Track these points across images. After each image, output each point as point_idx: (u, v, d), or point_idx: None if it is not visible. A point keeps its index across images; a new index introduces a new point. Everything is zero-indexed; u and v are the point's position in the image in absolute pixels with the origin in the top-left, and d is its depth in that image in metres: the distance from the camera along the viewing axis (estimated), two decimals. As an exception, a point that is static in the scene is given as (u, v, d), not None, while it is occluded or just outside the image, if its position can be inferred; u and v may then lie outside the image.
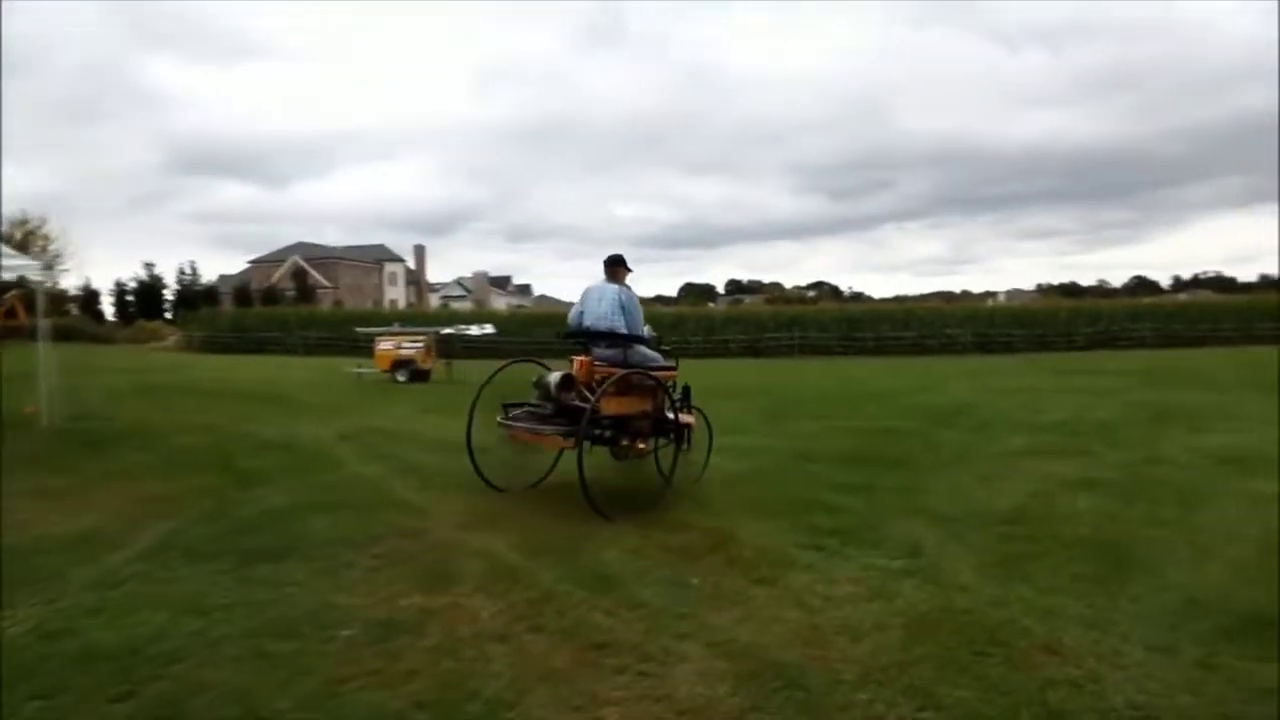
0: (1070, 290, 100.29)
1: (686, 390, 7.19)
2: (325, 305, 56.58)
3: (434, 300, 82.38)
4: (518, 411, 6.54)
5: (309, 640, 3.66)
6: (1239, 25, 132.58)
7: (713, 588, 4.43)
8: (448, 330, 23.35)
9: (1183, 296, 75.32)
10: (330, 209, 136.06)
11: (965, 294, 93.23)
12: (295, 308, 50.31)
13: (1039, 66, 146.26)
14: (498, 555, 4.99)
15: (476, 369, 24.13)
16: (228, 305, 55.38)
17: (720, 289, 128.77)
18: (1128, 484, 7.00)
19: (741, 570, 4.74)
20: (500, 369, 6.99)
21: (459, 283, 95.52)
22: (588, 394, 6.21)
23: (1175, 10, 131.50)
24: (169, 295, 62.15)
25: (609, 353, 6.54)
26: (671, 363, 7.11)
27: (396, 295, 78.27)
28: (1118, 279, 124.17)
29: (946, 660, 3.47)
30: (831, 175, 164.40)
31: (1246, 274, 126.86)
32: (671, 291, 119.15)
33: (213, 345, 41.48)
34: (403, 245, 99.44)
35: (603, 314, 6.51)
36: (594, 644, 3.66)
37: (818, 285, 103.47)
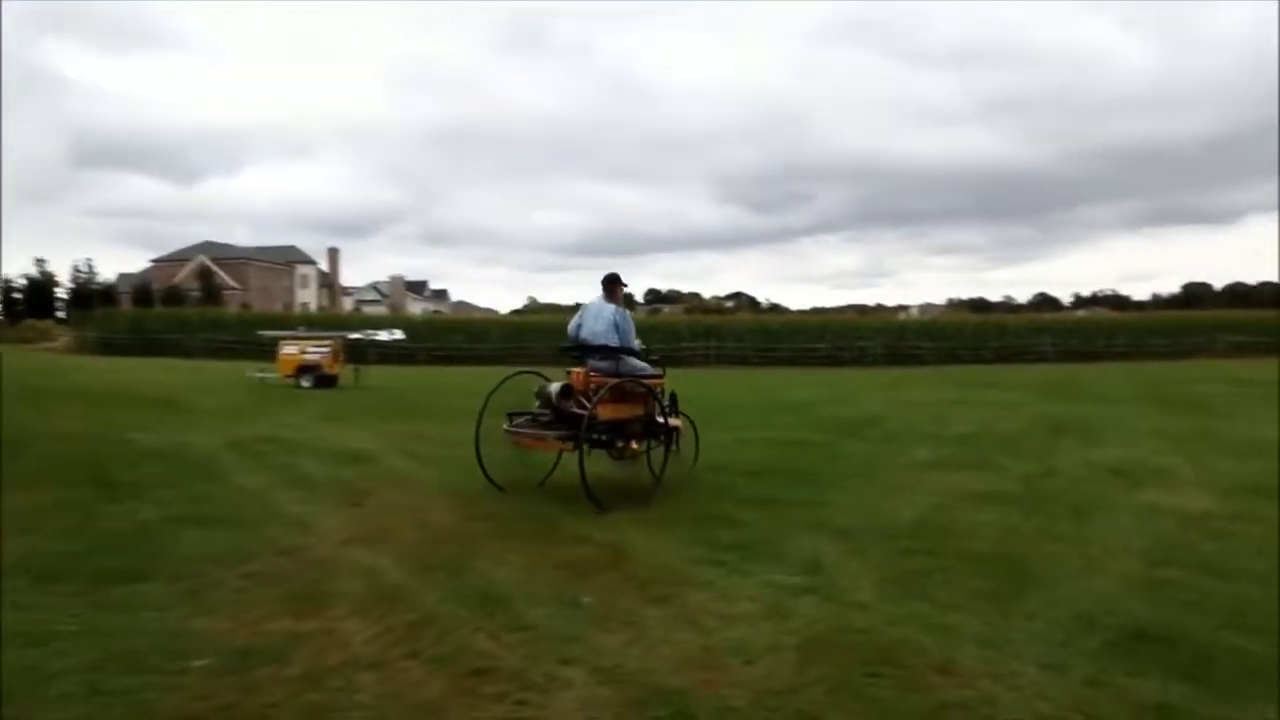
0: (978, 305, 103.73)
1: (673, 397, 7.68)
2: (232, 307, 54.71)
3: (348, 304, 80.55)
4: (521, 419, 6.99)
5: (156, 673, 3.33)
6: (1133, 57, 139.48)
7: (605, 607, 4.24)
8: (356, 335, 22.73)
9: (1082, 313, 78.60)
10: (241, 207, 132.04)
11: (880, 307, 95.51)
12: (199, 309, 48.52)
13: (950, 88, 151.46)
14: (381, 574, 4.71)
15: (389, 375, 23.66)
16: (127, 305, 53.07)
17: (639, 298, 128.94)
18: (1026, 497, 7.07)
19: (637, 588, 4.56)
20: (504, 380, 7.45)
21: (374, 287, 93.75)
22: (585, 401, 6.68)
23: (1075, 40, 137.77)
24: (62, 294, 59.24)
25: (603, 364, 7.05)
26: (659, 371, 7.62)
27: (308, 298, 76.23)
28: (1023, 295, 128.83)
29: (840, 683, 3.35)
30: (752, 187, 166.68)
31: (1140, 293, 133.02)
32: (588, 298, 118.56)
33: (108, 347, 39.65)
34: (316, 247, 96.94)
35: (599, 330, 7.12)
36: (472, 670, 3.43)
37: (736, 296, 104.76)
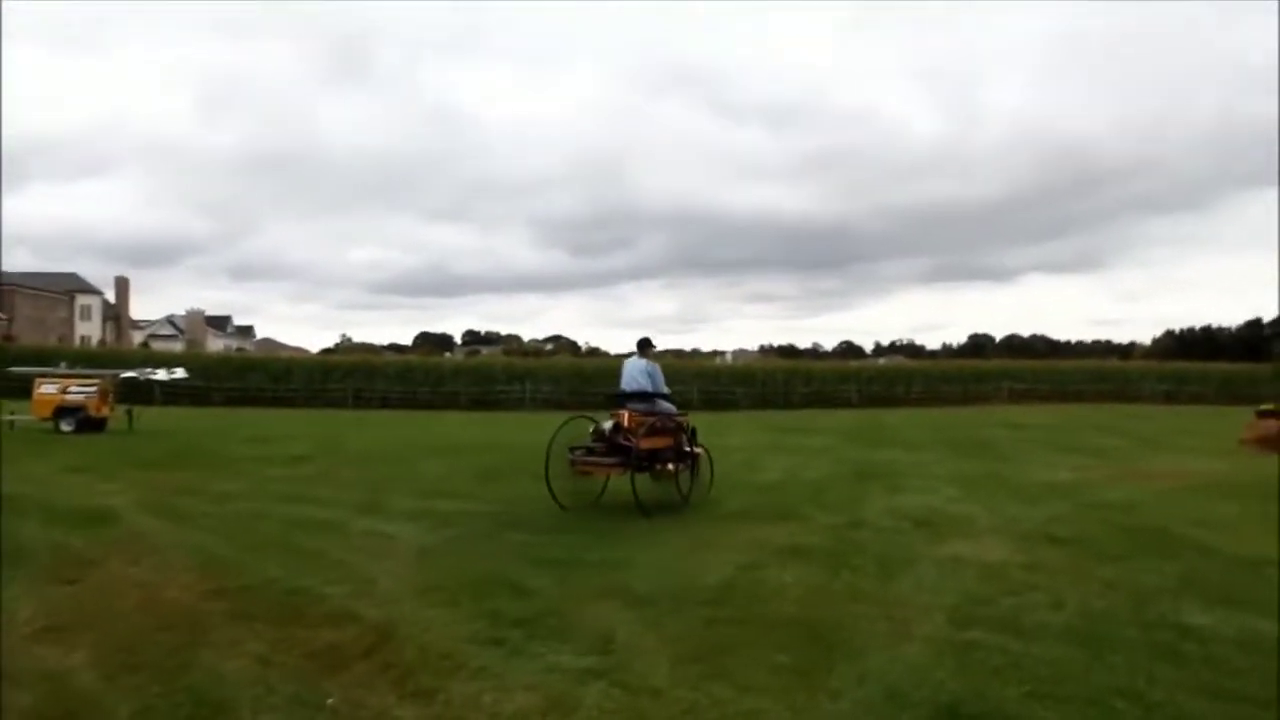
0: (788, 352, 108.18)
1: (693, 430, 9.49)
2: (-6, 341, 48.95)
3: (137, 339, 74.18)
4: (579, 451, 8.73)
5: None
6: (926, 125, 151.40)
7: (352, 707, 3.52)
8: (130, 373, 20.49)
9: (882, 361, 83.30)
10: (19, 229, 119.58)
11: (696, 352, 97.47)
12: (-48, 343, 43.03)
13: (763, 143, 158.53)
14: (66, 679, 3.77)
15: (174, 418, 21.51)
16: None
17: (458, 339, 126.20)
18: (833, 551, 6.83)
19: (396, 679, 3.86)
20: (564, 424, 9.17)
21: (170, 321, 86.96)
22: (630, 436, 8.55)
23: (876, 105, 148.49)
24: None
25: (640, 406, 8.97)
26: (683, 413, 9.57)
27: (90, 331, 69.60)
28: (829, 342, 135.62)
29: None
30: (573, 230, 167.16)
31: (933, 342, 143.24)
32: (407, 340, 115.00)
33: None
34: (104, 276, 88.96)
35: (635, 381, 9.13)
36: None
37: (556, 339, 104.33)
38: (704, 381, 38.94)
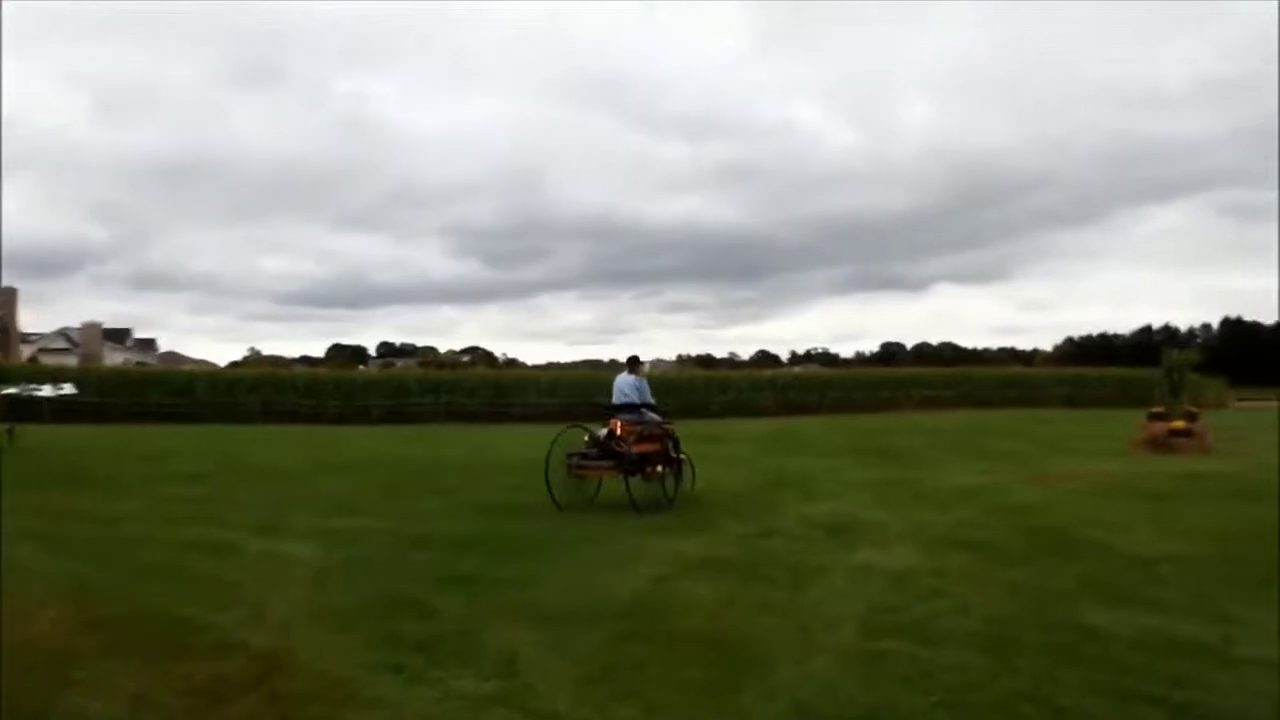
0: (706, 361, 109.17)
1: (676, 439, 10.46)
2: None
3: (26, 353, 70.48)
4: (576, 456, 9.72)
5: None
6: (840, 138, 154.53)
7: (232, 747, 3.28)
8: (9, 390, 19.38)
9: (797, 369, 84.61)
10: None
11: (614, 362, 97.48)
12: None
13: (681, 155, 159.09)
14: (-92, 725, 3.44)
15: (63, 436, 20.42)
16: None
17: (373, 351, 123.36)
18: (745, 561, 6.78)
19: (283, 712, 3.63)
20: (562, 432, 10.10)
21: (64, 334, 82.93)
22: (623, 442, 9.63)
23: (792, 118, 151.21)
24: None
25: (630, 416, 10.07)
26: (669, 422, 10.62)
27: (-27, 346, 65.83)
28: (746, 352, 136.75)
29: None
30: (489, 241, 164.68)
31: (846, 351, 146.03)
32: (319, 352, 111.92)
33: None
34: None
35: (624, 394, 10.34)
36: None
37: (473, 350, 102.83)
38: (621, 392, 38.83)
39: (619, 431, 9.75)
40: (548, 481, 9.40)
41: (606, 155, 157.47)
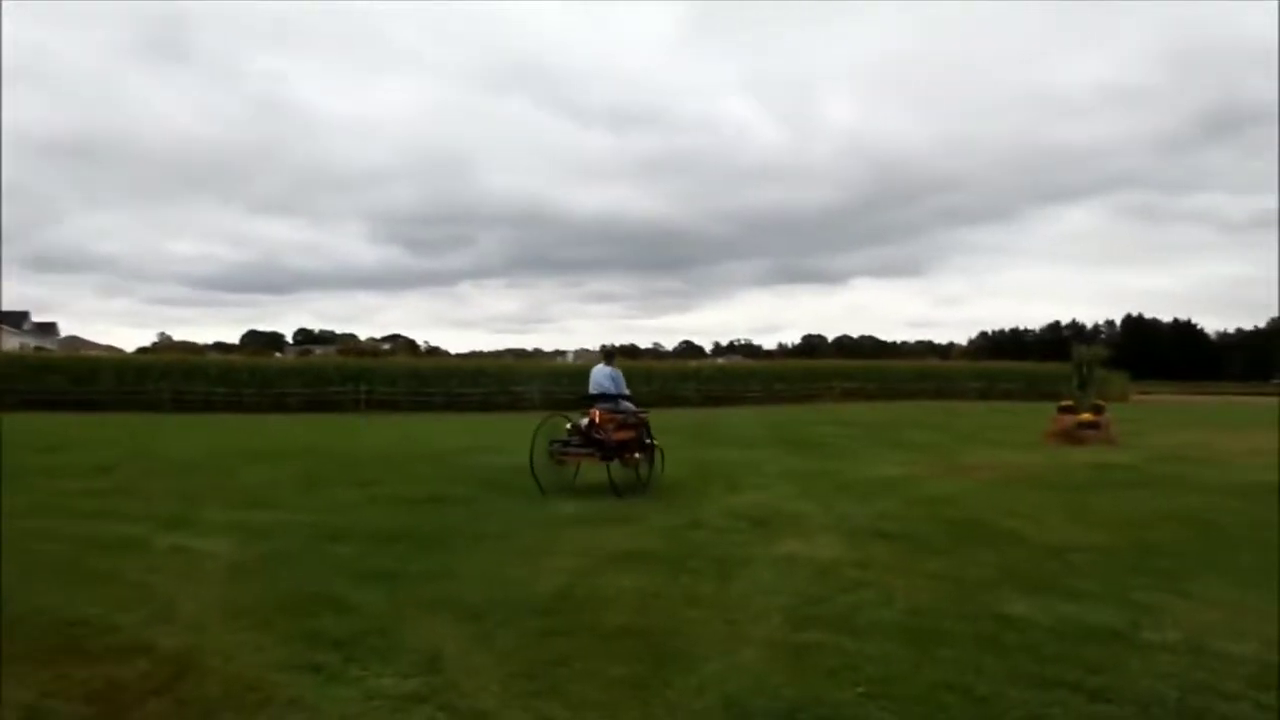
0: (630, 352, 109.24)
1: (649, 426, 11.00)
2: None
3: (-87, 338, 66.60)
4: (558, 444, 10.22)
5: None
6: (764, 133, 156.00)
7: (136, 756, 3.11)
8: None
9: (721, 360, 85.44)
10: None
11: (538, 352, 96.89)
12: None
13: (606, 145, 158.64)
14: None
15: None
16: None
17: (290, 338, 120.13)
18: (671, 553, 6.73)
19: (193, 718, 3.46)
20: (544, 421, 10.61)
21: (-47, 318, 78.66)
22: (602, 430, 10.10)
23: (717, 113, 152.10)
24: None
25: (606, 405, 10.54)
26: (644, 410, 11.31)
27: None
28: (670, 342, 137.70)
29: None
30: (411, 227, 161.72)
31: (769, 342, 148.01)
32: (234, 338, 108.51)
33: None
34: None
35: (602, 385, 10.82)
36: None
37: (394, 338, 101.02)
38: (545, 381, 38.51)
39: (598, 420, 10.23)
40: (532, 467, 9.90)
41: (531, 144, 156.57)
